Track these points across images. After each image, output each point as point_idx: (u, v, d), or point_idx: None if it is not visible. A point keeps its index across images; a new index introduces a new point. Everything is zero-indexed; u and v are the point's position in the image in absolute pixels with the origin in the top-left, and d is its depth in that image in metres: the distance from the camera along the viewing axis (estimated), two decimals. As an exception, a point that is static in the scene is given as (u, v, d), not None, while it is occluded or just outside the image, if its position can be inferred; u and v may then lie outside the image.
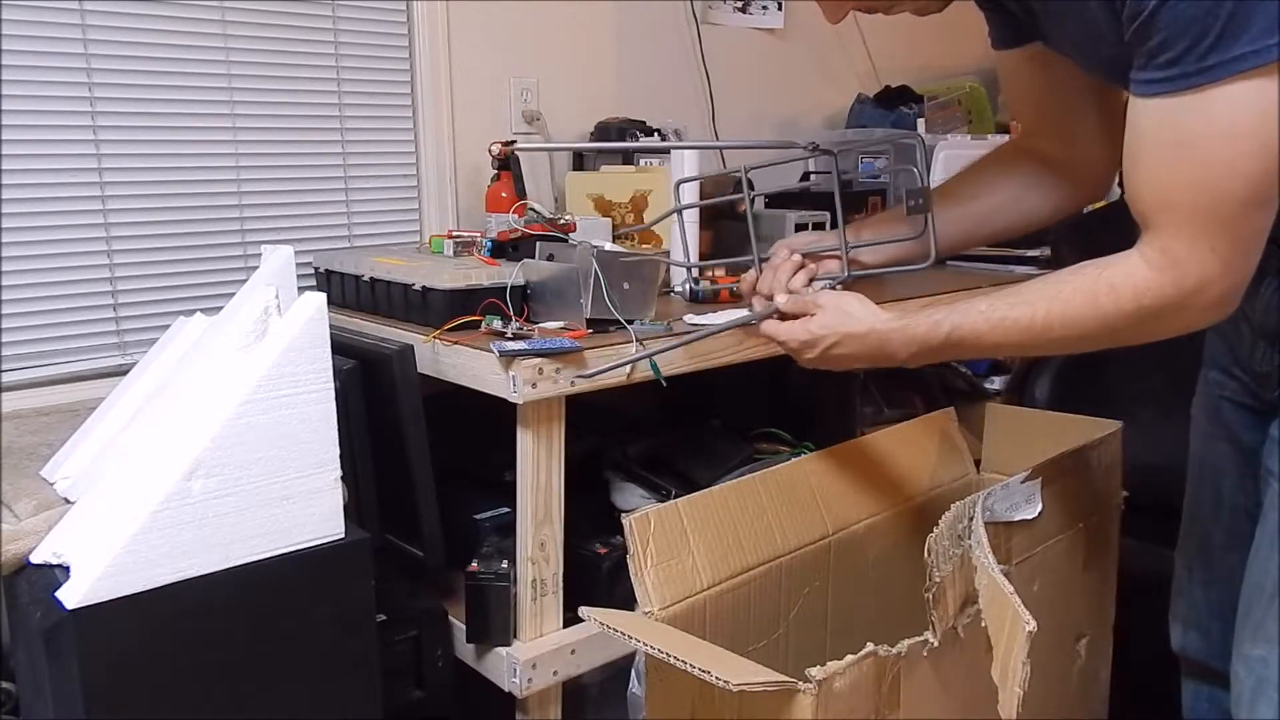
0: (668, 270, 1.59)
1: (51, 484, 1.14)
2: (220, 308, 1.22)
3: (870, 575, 1.18)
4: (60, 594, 0.90)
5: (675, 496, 1.59)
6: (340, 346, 1.19)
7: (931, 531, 0.92)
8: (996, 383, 2.17)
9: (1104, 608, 1.32)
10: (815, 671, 0.80)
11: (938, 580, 0.90)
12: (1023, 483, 1.07)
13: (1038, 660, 1.01)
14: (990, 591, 0.86)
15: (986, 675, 0.96)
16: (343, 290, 1.57)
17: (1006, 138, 2.28)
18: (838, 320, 1.05)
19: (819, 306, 1.08)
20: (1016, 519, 1.05)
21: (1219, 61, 0.75)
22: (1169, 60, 0.78)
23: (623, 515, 0.95)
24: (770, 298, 1.17)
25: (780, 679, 0.78)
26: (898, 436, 1.29)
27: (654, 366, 1.28)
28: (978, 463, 1.40)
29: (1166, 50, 0.78)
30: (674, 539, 0.97)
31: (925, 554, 0.91)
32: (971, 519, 0.94)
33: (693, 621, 0.96)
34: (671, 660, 0.78)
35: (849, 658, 0.82)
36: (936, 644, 0.90)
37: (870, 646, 0.84)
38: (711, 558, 1.00)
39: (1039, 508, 1.08)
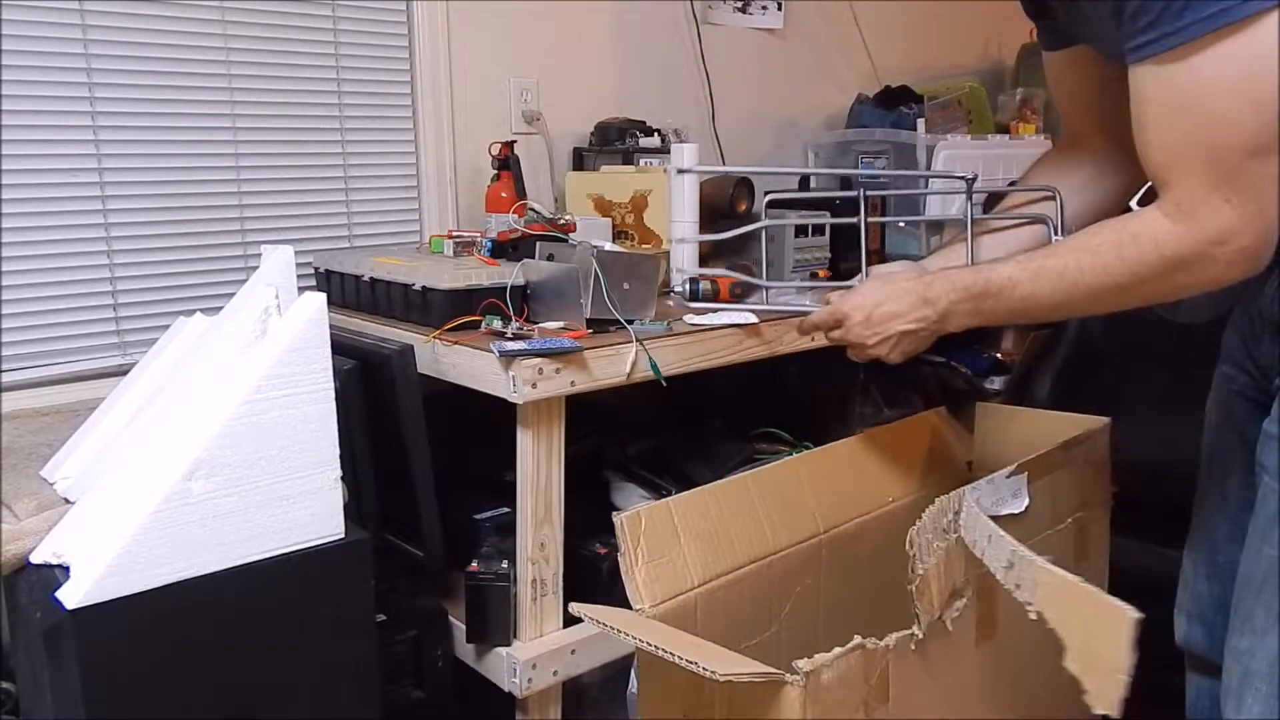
0: (668, 270, 1.59)
1: (51, 484, 1.14)
2: (220, 308, 1.22)
3: (863, 573, 1.18)
4: (60, 594, 0.91)
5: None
6: (340, 346, 1.19)
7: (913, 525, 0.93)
8: (997, 383, 2.17)
9: (1095, 604, 1.32)
10: (803, 664, 0.80)
11: (920, 573, 0.91)
12: (1008, 477, 1.07)
13: (1034, 659, 0.99)
14: (1046, 582, 0.84)
15: (974, 667, 0.96)
16: (343, 290, 1.57)
17: (1006, 137, 2.28)
18: (877, 297, 1.06)
19: (852, 305, 1.08)
20: (1003, 513, 1.06)
21: (1194, 20, 0.80)
22: (1148, 24, 0.83)
23: (614, 514, 0.95)
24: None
25: (766, 670, 0.78)
26: (889, 435, 1.29)
27: (654, 366, 1.28)
28: (970, 463, 1.39)
29: (1144, 15, 0.83)
30: (665, 537, 0.98)
31: (907, 546, 0.92)
32: (958, 513, 0.95)
33: (684, 619, 0.96)
34: (658, 652, 0.78)
35: (836, 650, 0.83)
36: (922, 636, 0.90)
37: (858, 639, 0.85)
38: (702, 556, 1.00)
39: (1025, 502, 1.09)
